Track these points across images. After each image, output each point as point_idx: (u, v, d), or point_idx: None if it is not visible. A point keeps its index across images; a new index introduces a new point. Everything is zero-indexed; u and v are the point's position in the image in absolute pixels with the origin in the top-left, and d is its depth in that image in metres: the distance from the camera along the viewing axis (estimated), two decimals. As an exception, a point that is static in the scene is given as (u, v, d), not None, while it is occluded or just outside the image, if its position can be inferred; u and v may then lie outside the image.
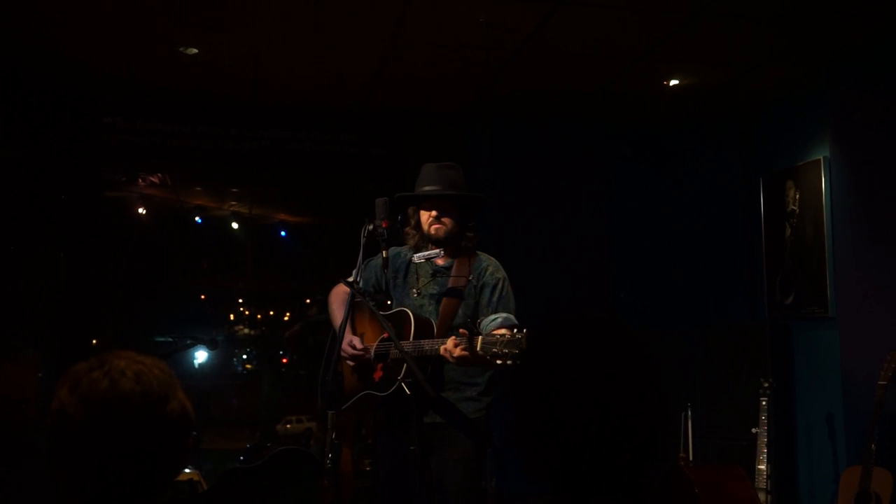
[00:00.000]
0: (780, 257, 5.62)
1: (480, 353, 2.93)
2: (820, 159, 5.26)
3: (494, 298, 3.36)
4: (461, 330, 3.05)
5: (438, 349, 3.12)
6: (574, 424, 1.25)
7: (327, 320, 3.57)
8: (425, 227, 3.43)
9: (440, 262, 3.45)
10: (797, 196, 5.48)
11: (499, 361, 2.88)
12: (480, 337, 2.95)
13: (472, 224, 3.46)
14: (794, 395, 5.47)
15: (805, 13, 4.35)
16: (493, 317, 3.29)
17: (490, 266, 3.43)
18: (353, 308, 3.31)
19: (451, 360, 3.07)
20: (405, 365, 3.13)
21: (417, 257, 3.41)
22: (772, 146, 5.82)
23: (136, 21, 4.49)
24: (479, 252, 3.49)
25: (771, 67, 5.13)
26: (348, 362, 3.40)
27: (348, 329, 3.39)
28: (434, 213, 3.41)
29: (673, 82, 5.43)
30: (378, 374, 3.33)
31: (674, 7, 4.30)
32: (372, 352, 3.37)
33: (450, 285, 3.38)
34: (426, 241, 3.45)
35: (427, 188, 3.42)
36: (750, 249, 5.97)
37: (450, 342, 3.06)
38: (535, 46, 4.81)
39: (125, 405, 1.37)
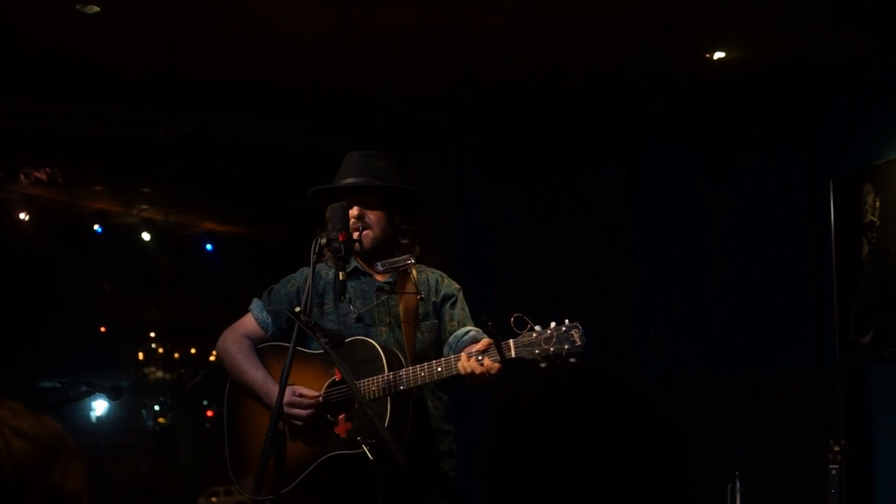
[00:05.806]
0: (856, 282, 5.64)
1: (516, 358, 3.03)
2: (906, 156, 5.31)
3: (456, 311, 3.46)
4: (485, 332, 3.05)
5: (455, 369, 3.12)
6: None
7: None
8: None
9: (380, 277, 3.47)
10: (877, 203, 5.51)
11: (543, 365, 2.95)
12: (512, 340, 3.03)
13: (407, 228, 3.48)
14: (872, 462, 5.48)
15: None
16: (464, 330, 3.39)
17: (443, 277, 3.53)
18: (293, 349, 3.24)
19: (479, 381, 3.09)
20: (388, 403, 3.14)
21: (382, 265, 3.38)
22: (844, 139, 5.85)
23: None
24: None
25: (844, 37, 5.15)
26: (295, 422, 3.32)
27: (270, 380, 3.39)
28: (355, 212, 3.39)
29: (717, 56, 5.45)
30: (343, 428, 3.26)
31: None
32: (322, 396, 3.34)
33: (403, 304, 3.41)
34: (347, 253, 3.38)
35: (344, 181, 3.44)
36: (816, 271, 5.98)
37: (465, 357, 3.08)
38: (539, 7, 4.82)
39: None
